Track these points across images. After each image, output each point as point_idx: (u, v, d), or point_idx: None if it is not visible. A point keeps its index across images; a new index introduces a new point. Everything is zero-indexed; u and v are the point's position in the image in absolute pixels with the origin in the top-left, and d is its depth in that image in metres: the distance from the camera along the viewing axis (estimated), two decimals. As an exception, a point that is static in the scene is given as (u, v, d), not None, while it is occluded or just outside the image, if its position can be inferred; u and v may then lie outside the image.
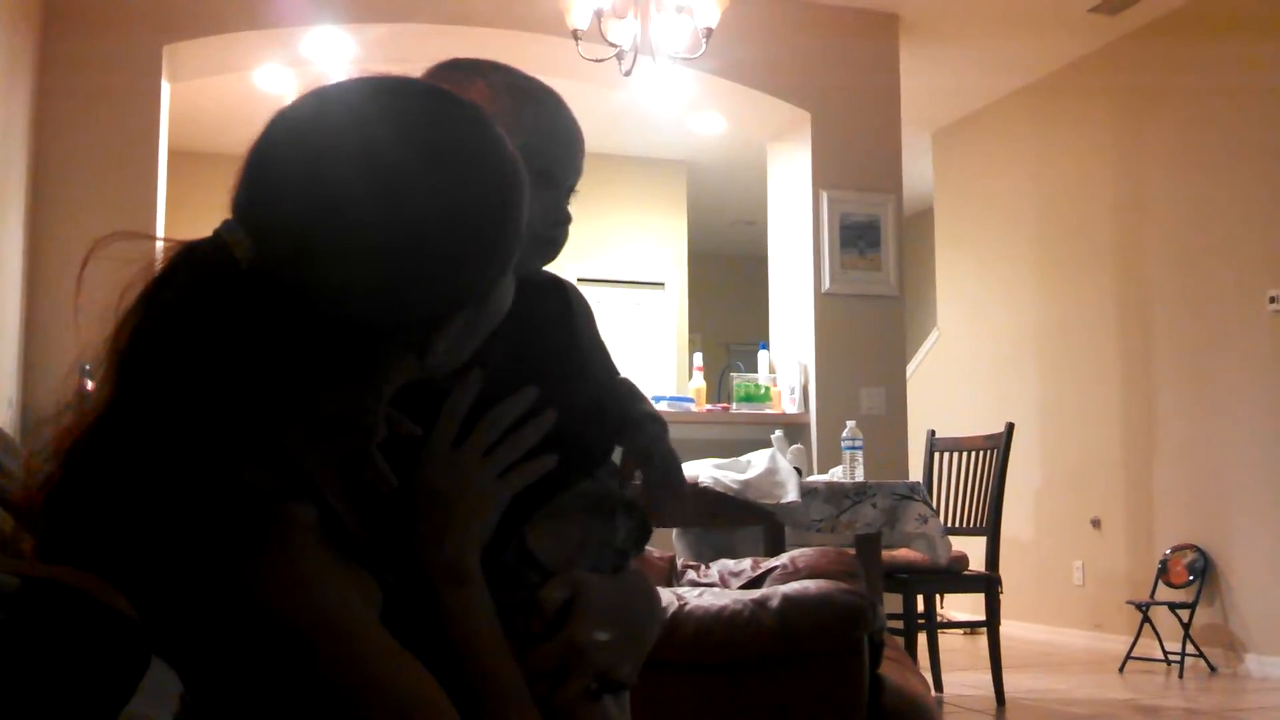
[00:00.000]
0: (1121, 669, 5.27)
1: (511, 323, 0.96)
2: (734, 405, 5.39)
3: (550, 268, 1.10)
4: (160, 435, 0.73)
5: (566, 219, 1.06)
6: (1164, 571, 5.42)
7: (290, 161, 0.79)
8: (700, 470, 3.65)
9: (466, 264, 0.81)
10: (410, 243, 0.78)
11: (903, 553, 4.36)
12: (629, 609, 0.95)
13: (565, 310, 1.08)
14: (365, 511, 0.88)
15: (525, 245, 1.03)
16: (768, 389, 5.48)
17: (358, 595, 0.80)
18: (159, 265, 0.77)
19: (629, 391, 1.17)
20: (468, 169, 0.82)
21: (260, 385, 0.76)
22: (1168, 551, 5.46)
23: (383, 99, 0.82)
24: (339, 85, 0.83)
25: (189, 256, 0.77)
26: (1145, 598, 5.39)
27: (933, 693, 4.10)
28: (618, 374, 1.16)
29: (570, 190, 1.07)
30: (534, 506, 0.95)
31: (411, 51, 5.36)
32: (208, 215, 0.81)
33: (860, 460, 3.99)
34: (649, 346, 8.01)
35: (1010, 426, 4.67)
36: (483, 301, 0.85)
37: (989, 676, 4.39)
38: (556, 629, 0.90)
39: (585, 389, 1.04)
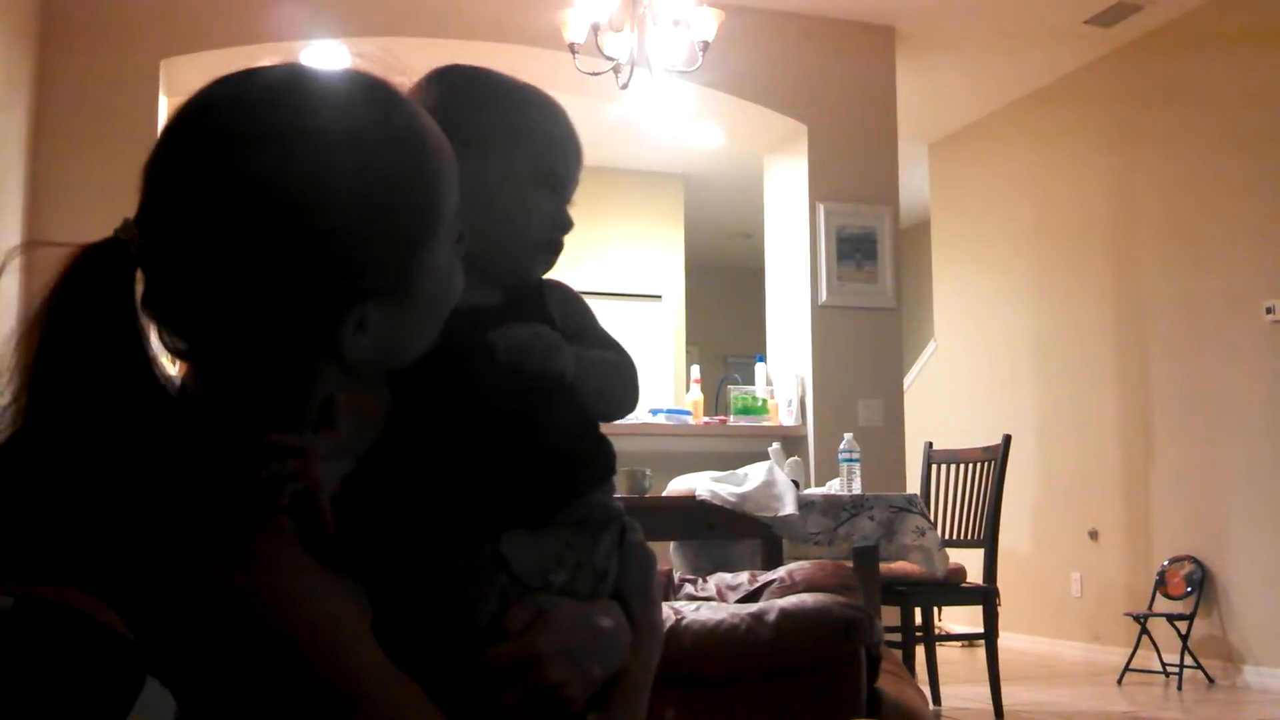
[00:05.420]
0: (1120, 681, 5.26)
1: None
2: (731, 418, 5.39)
3: (550, 275, 1.10)
4: (76, 452, 0.72)
5: (569, 225, 1.06)
6: (1162, 583, 5.42)
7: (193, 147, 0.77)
8: (697, 483, 3.65)
9: (360, 237, 0.78)
10: (311, 219, 0.76)
11: (900, 565, 4.35)
12: (595, 636, 0.93)
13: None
14: (350, 514, 0.87)
15: (530, 250, 1.03)
16: (765, 401, 5.48)
17: (346, 604, 0.77)
18: (59, 273, 0.75)
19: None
20: (371, 138, 0.80)
21: (160, 392, 0.75)
22: (1165, 563, 5.45)
23: (271, 84, 0.80)
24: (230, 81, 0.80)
25: (85, 260, 0.75)
26: (1143, 609, 5.38)
27: (931, 706, 4.09)
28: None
29: (568, 201, 1.07)
30: (516, 520, 0.94)
31: (408, 66, 5.36)
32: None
33: (857, 473, 3.99)
34: (646, 359, 8.01)
35: (1007, 438, 4.67)
36: (403, 286, 0.81)
37: (987, 689, 4.38)
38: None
39: (576, 403, 1.03)
